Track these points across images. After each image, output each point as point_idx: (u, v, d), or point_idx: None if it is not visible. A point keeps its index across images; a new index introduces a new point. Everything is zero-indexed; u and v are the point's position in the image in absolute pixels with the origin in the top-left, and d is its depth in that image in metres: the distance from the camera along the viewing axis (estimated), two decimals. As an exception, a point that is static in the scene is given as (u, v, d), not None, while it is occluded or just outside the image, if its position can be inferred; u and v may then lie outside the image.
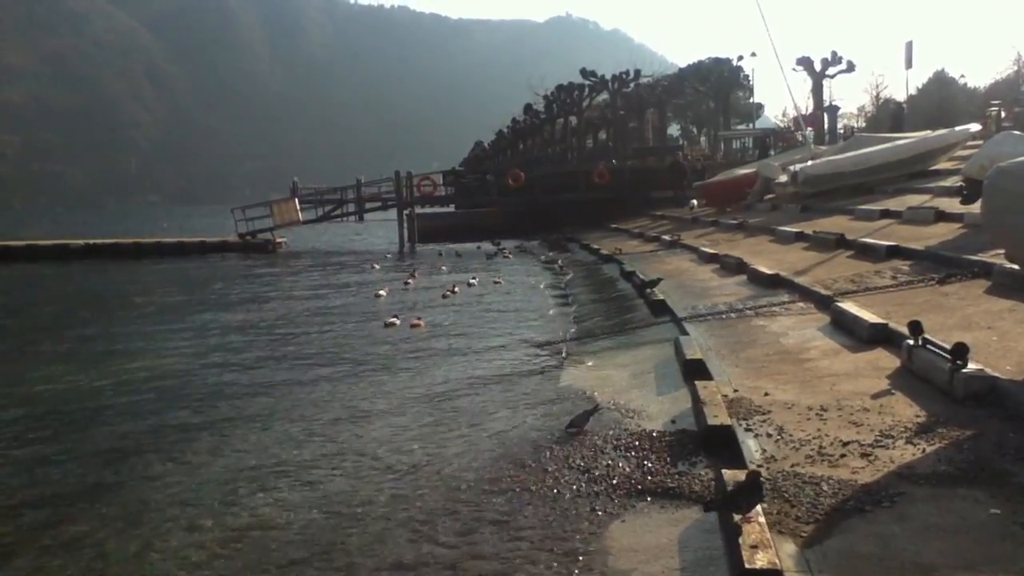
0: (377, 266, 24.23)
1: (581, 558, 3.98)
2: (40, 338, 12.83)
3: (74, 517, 5.24)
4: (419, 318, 12.89)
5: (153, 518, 5.17)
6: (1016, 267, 7.28)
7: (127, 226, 55.71)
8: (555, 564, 3.99)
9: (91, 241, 31.10)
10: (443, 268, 22.36)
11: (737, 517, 3.67)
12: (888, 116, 29.59)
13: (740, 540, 3.50)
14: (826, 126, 40.29)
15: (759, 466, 4.43)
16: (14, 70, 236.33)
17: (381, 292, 16.79)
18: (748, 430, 5.10)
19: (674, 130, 60.65)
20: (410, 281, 18.99)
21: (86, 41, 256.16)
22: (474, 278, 18.40)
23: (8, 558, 4.70)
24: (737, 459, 4.65)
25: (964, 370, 5.07)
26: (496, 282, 17.84)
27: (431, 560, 4.22)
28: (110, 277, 24.03)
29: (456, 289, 16.63)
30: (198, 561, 4.48)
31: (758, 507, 3.74)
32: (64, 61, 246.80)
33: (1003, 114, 27.52)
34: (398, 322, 12.64)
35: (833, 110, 43.16)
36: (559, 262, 21.63)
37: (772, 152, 33.34)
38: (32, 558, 4.68)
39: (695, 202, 26.11)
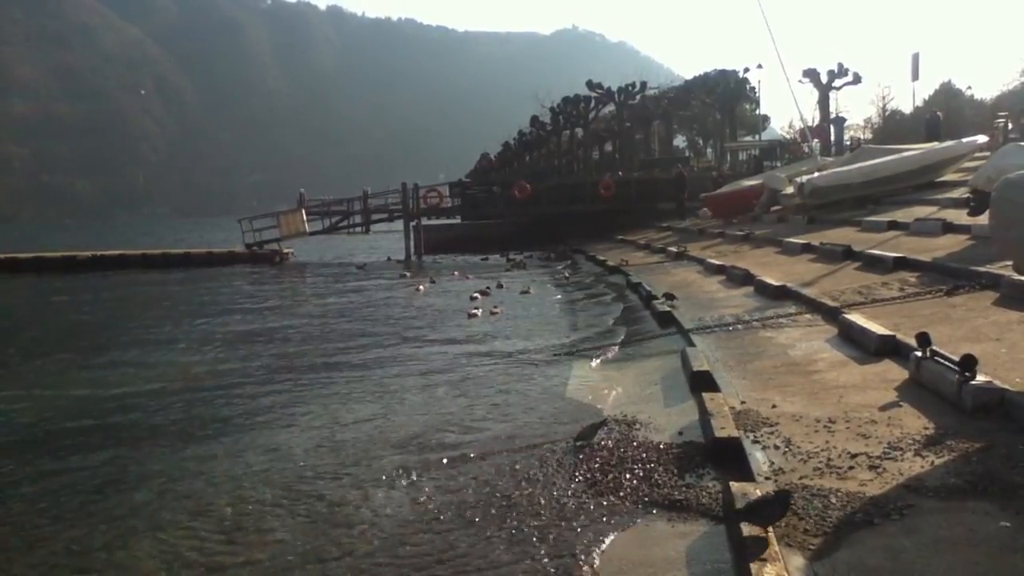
0: (408, 273, 25.78)
1: (587, 571, 3.96)
2: (46, 349, 12.83)
3: (81, 523, 5.22)
4: (496, 306, 14.70)
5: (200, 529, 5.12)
6: (1024, 278, 7.26)
7: (141, 238, 55.89)
8: (562, 577, 3.97)
9: (98, 252, 31.19)
10: (455, 273, 23.29)
11: (747, 531, 3.66)
12: (924, 124, 29.48)
13: (749, 553, 3.49)
14: (832, 138, 40.30)
15: (767, 478, 4.42)
16: (24, 82, 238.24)
17: (420, 287, 19.40)
18: (756, 442, 5.08)
19: (680, 142, 60.63)
20: (435, 281, 20.93)
21: (95, 54, 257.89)
22: (499, 285, 18.83)
23: (14, 562, 4.70)
24: (745, 471, 4.63)
25: (973, 382, 5.05)
26: (525, 291, 17.80)
27: (436, 572, 4.21)
28: (143, 289, 24.13)
29: (483, 291, 17.48)
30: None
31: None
32: (73, 74, 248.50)
33: (1010, 125, 27.50)
34: (479, 313, 14.18)
35: (839, 122, 43.12)
36: (566, 273, 21.65)
37: (778, 163, 33.35)
38: (38, 562, 4.68)
39: (706, 210, 26.18)
